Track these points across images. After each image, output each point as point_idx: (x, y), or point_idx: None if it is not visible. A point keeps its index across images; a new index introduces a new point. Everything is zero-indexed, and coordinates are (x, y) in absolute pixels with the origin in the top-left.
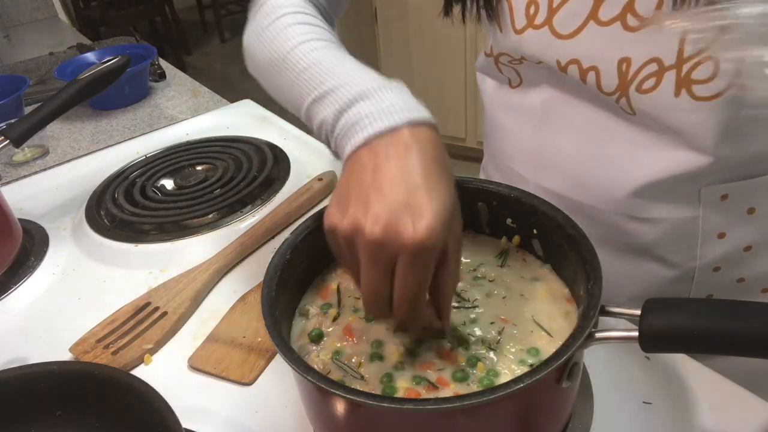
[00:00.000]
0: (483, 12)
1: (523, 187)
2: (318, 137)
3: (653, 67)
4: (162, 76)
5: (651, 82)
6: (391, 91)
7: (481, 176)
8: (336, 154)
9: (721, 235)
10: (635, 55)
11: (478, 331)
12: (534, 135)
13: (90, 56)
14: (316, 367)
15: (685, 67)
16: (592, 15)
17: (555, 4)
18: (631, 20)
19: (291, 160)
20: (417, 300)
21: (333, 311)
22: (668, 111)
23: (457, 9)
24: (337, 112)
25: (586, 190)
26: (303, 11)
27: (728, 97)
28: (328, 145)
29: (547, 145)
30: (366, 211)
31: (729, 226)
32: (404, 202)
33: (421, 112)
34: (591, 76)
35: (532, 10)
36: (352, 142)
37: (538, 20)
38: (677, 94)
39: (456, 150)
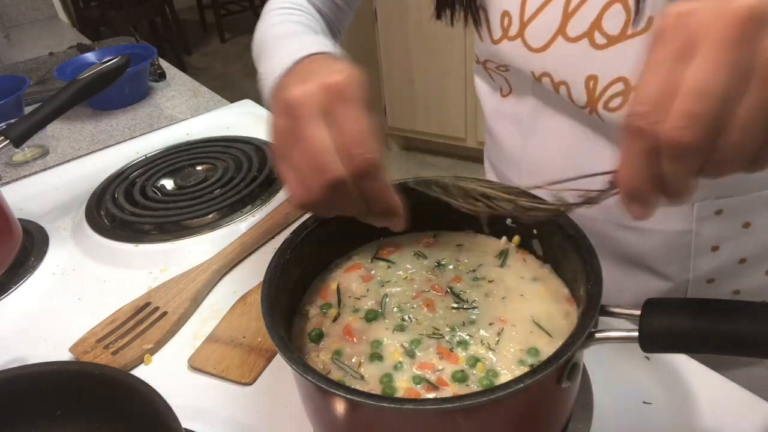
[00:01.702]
0: (470, 18)
1: None
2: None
3: (620, 86)
4: (162, 76)
5: (618, 101)
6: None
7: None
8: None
9: (715, 248)
10: (602, 73)
11: (477, 332)
12: (523, 144)
13: (90, 56)
14: (316, 367)
15: None
16: (561, 30)
17: (526, 18)
18: (598, 38)
19: None
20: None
21: (333, 311)
22: None
23: (447, 13)
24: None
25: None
26: (293, 7)
27: None
28: None
29: (535, 153)
30: None
31: (723, 240)
32: None
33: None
34: (562, 89)
35: (506, 21)
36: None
37: (512, 32)
38: None
39: (456, 150)
